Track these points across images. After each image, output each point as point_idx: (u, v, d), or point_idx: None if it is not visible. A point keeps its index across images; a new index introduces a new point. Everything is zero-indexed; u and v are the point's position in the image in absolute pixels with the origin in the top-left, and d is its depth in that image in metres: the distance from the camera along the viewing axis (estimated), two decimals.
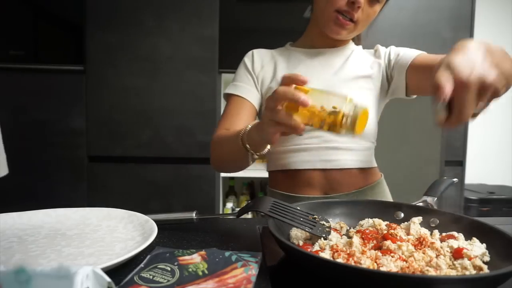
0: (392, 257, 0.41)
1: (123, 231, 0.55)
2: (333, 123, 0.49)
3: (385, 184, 0.94)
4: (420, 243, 0.47)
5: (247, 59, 0.92)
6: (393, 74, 0.86)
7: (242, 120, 0.84)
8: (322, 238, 0.48)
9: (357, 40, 0.97)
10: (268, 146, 0.68)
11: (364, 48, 0.94)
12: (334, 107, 0.49)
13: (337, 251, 0.43)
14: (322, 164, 0.83)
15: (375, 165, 0.92)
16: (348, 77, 0.85)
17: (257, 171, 1.99)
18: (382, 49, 0.90)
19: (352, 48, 0.92)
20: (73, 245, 0.49)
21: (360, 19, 0.80)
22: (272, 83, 0.88)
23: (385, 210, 0.58)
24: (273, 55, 0.92)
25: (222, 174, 1.94)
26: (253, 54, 0.93)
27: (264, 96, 0.89)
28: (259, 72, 0.90)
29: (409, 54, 0.83)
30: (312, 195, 0.84)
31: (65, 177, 1.77)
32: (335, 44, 0.90)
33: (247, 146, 0.66)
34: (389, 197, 0.92)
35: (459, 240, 0.47)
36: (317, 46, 0.90)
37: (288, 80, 0.52)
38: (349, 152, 0.83)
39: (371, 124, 0.85)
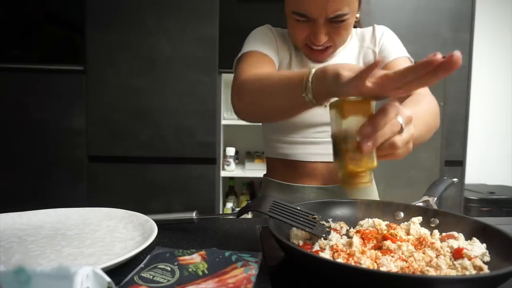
0: (392, 257, 0.41)
1: (123, 231, 0.55)
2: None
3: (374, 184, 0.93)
4: (420, 243, 0.47)
5: (265, 29, 0.84)
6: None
7: (269, 68, 0.75)
8: (322, 238, 0.48)
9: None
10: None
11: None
12: None
13: (337, 251, 0.43)
14: (328, 158, 0.82)
15: None
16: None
17: (257, 171, 1.99)
18: (378, 33, 0.84)
19: (350, 42, 0.86)
20: (73, 245, 0.49)
21: (335, 38, 0.74)
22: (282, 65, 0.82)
23: (385, 210, 0.58)
24: (289, 40, 0.85)
25: (222, 174, 1.94)
26: (271, 28, 0.85)
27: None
28: (278, 43, 0.82)
29: (388, 54, 0.80)
30: (310, 185, 0.83)
31: (65, 177, 1.77)
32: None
33: (309, 96, 0.52)
34: (376, 194, 0.90)
35: (459, 240, 0.47)
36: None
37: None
38: None
39: None
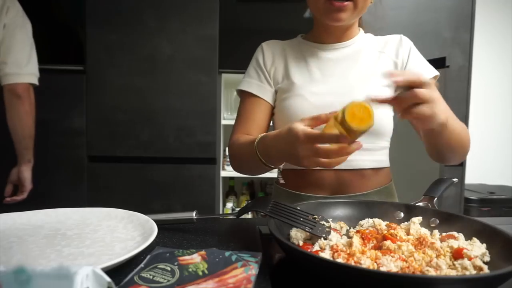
0: (392, 257, 0.41)
1: (123, 231, 0.55)
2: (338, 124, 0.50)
3: (393, 187, 0.91)
4: (420, 243, 0.47)
5: (258, 53, 0.90)
6: None
7: (259, 122, 0.85)
8: (322, 238, 0.48)
9: (364, 28, 0.92)
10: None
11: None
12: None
13: (337, 251, 0.43)
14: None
15: (388, 165, 0.89)
16: (362, 74, 0.82)
17: None
18: (405, 46, 0.84)
19: (363, 39, 0.88)
20: (73, 245, 0.49)
21: None
22: (283, 82, 0.85)
23: (385, 210, 0.58)
24: (284, 49, 0.89)
25: (222, 174, 1.94)
26: (263, 48, 0.90)
27: (278, 93, 0.86)
28: (270, 67, 0.88)
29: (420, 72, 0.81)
30: (320, 195, 0.82)
31: (65, 177, 1.77)
32: (343, 38, 0.86)
33: (263, 160, 0.67)
34: (395, 195, 0.90)
35: (459, 240, 0.47)
36: (326, 42, 0.87)
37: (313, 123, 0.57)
38: (365, 152, 0.80)
39: (385, 122, 0.82)
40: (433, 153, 0.77)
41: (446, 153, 0.74)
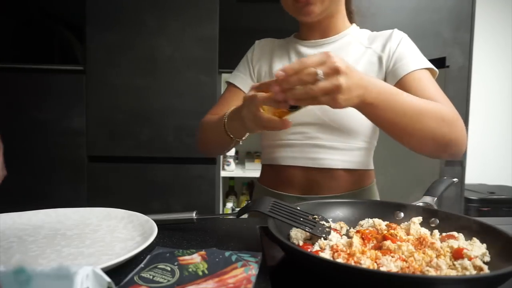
0: (392, 257, 0.41)
1: (123, 231, 0.55)
2: None
3: (375, 190, 0.88)
4: (420, 243, 0.47)
5: (249, 50, 0.94)
6: (388, 76, 0.78)
7: (231, 107, 0.86)
8: (322, 238, 0.48)
9: (356, 20, 0.90)
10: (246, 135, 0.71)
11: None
12: None
13: (337, 251, 0.43)
14: (304, 162, 0.80)
15: (369, 167, 0.86)
16: None
17: (257, 171, 1.99)
18: (394, 39, 0.79)
19: (352, 35, 0.84)
20: (73, 245, 0.49)
21: None
22: (265, 78, 0.87)
23: (385, 210, 0.58)
24: (273, 47, 0.91)
25: (222, 174, 1.94)
26: (255, 45, 0.94)
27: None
28: (256, 63, 0.90)
29: (406, 66, 0.74)
30: (291, 194, 0.81)
31: (65, 177, 1.77)
32: (328, 33, 0.84)
33: (228, 132, 0.70)
34: (376, 195, 0.88)
35: (459, 240, 0.47)
36: (311, 38, 0.86)
37: (264, 86, 0.57)
38: (334, 152, 0.79)
39: (358, 121, 0.78)
40: (396, 139, 0.67)
41: (403, 137, 0.64)
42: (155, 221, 0.56)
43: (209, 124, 0.81)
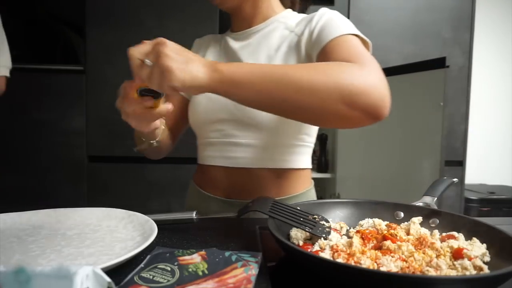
0: (392, 257, 0.41)
1: (123, 231, 0.55)
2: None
3: (310, 196, 0.80)
4: (420, 243, 0.47)
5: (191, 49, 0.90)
6: (312, 53, 0.69)
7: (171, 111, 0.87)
8: (322, 238, 0.48)
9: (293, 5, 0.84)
10: (158, 135, 0.71)
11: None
12: None
13: (337, 251, 0.43)
14: (223, 161, 0.76)
15: (302, 167, 0.78)
16: (263, 59, 0.74)
17: None
18: (315, 18, 0.70)
19: (280, 20, 0.77)
20: (73, 245, 0.49)
21: None
22: None
23: (385, 210, 0.58)
24: (209, 43, 0.86)
25: None
26: (194, 43, 0.92)
27: None
28: None
29: (325, 36, 0.65)
30: (217, 196, 0.77)
31: (65, 177, 1.77)
32: (254, 22, 0.79)
33: (135, 135, 0.72)
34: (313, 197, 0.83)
35: (459, 240, 0.47)
36: (239, 29, 0.81)
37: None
38: (252, 150, 0.73)
39: (281, 118, 0.65)
40: (289, 117, 0.59)
41: (296, 114, 0.55)
42: (155, 221, 0.56)
43: None
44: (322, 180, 2.17)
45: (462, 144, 1.93)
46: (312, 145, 0.81)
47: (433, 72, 1.55)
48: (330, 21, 0.67)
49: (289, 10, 0.81)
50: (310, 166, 0.82)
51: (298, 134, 0.75)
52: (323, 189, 2.22)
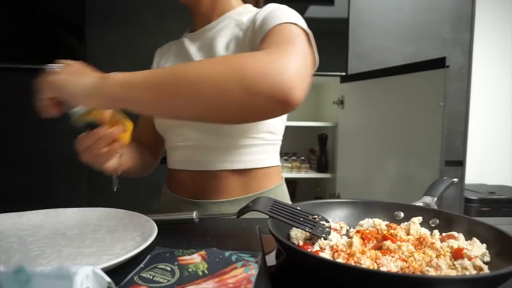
0: (392, 257, 0.41)
1: (123, 231, 0.55)
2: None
3: (282, 193, 0.80)
4: (420, 243, 0.47)
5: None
6: (254, 46, 0.65)
7: (140, 128, 0.88)
8: (322, 238, 0.48)
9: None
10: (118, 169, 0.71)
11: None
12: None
13: (337, 251, 0.43)
14: (187, 165, 0.77)
15: (268, 165, 0.77)
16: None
17: None
18: (262, 11, 0.67)
19: (231, 17, 0.74)
20: (73, 245, 0.49)
21: None
22: None
23: (385, 210, 0.58)
24: (170, 49, 0.85)
25: None
26: (156, 53, 0.90)
27: None
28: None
29: (266, 24, 0.61)
30: (186, 198, 0.77)
31: (65, 177, 1.77)
32: (210, 19, 0.76)
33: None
34: (286, 196, 0.82)
35: (459, 240, 0.47)
36: (196, 28, 0.79)
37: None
38: (210, 152, 0.73)
39: None
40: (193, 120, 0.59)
41: (199, 115, 0.53)
42: (155, 221, 0.56)
43: None
44: (322, 180, 2.17)
45: (462, 144, 1.93)
46: (279, 142, 0.80)
47: (433, 72, 1.55)
48: (272, 12, 0.63)
49: (247, 6, 0.78)
50: (278, 163, 0.80)
51: (258, 133, 0.73)
52: (323, 189, 2.22)
